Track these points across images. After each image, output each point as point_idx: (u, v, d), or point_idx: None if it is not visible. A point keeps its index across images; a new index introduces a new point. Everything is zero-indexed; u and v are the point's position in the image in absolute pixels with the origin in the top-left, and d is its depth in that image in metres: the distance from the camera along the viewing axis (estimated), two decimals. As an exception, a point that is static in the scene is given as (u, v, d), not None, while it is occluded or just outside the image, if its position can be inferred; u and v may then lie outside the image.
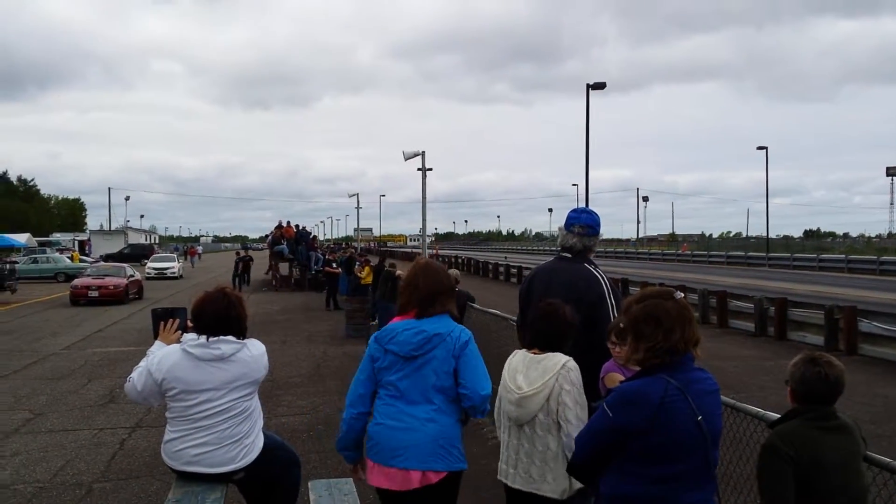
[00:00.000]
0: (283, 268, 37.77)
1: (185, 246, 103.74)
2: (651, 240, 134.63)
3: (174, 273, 47.16)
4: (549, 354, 4.08)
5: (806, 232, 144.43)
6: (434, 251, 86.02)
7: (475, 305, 10.96)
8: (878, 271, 44.02)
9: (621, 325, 3.15)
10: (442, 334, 3.98)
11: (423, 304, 4.10)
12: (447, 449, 3.90)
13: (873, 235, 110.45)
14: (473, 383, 3.89)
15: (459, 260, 58.03)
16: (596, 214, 5.02)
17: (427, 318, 4.06)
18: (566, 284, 4.75)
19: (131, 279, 31.22)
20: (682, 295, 3.16)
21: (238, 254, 41.05)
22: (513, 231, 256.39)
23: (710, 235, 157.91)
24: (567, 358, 4.05)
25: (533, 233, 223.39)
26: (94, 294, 28.90)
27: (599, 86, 35.45)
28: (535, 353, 4.12)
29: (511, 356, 4.26)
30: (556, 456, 3.95)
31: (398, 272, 19.53)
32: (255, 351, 4.58)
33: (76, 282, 30.18)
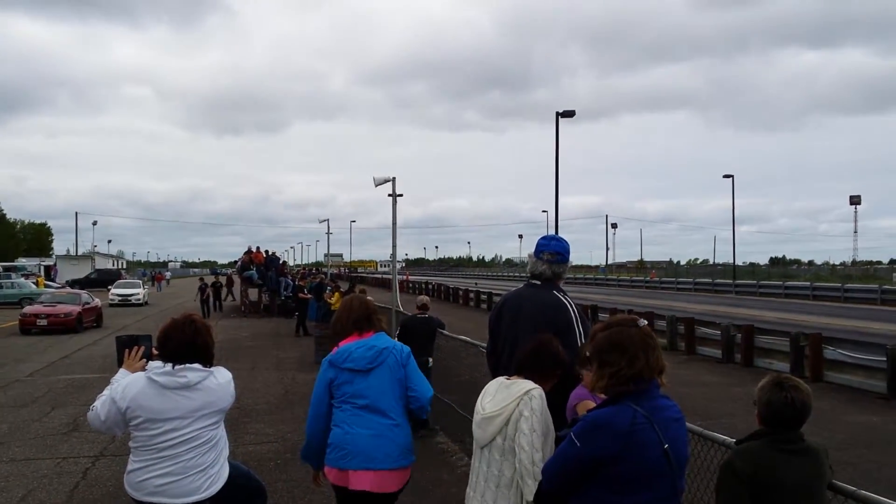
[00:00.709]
0: (253, 293, 37.53)
1: (153, 271, 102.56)
2: (620, 266, 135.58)
3: (139, 299, 45.79)
4: (519, 380, 4.07)
5: (772, 259, 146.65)
6: (404, 277, 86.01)
7: (445, 332, 10.94)
8: (843, 298, 44.67)
9: (587, 352, 3.15)
10: (389, 348, 4.67)
11: (362, 323, 4.76)
12: (410, 448, 4.61)
13: (838, 263, 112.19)
14: (421, 387, 4.68)
15: (430, 286, 57.99)
16: (565, 242, 5.04)
17: (370, 337, 4.69)
18: (535, 311, 4.76)
19: (87, 307, 29.53)
20: (646, 322, 3.19)
21: (202, 279, 40.62)
22: (483, 257, 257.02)
23: (678, 262, 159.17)
24: (533, 385, 4.05)
25: (503, 259, 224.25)
26: (43, 322, 27.20)
27: (569, 114, 35.88)
28: (508, 379, 4.13)
29: (487, 385, 4.27)
30: (510, 483, 3.92)
31: (368, 298, 19.48)
32: (221, 379, 4.53)
33: (26, 309, 28.53)
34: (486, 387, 4.21)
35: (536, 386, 4.05)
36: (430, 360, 11.17)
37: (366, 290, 20.17)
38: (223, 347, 22.29)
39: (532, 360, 4.16)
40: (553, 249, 4.91)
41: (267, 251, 39.57)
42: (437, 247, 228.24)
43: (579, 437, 2.99)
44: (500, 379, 4.18)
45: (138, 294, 46.59)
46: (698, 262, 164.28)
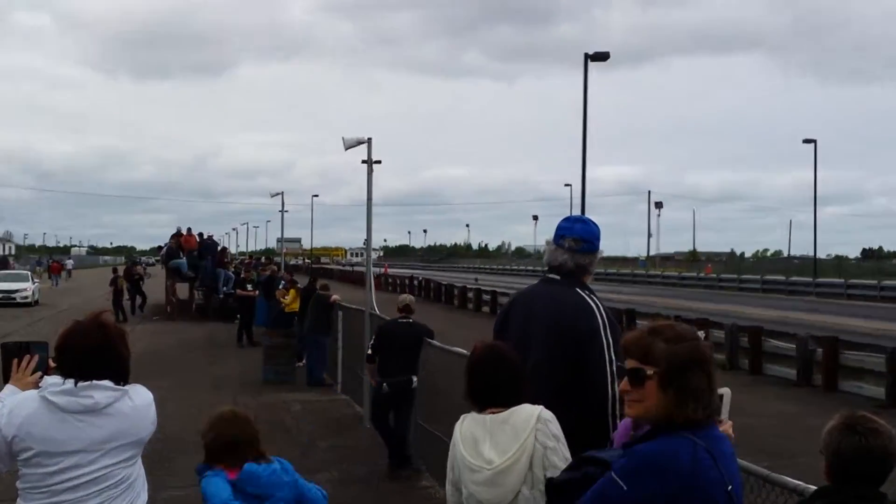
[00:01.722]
0: (182, 289, 37.54)
1: (49, 259, 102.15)
2: (666, 259, 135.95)
3: (26, 297, 44.86)
4: (515, 409, 4.11)
5: (864, 251, 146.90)
6: (382, 270, 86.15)
7: (434, 342, 10.97)
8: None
9: (650, 371, 3.12)
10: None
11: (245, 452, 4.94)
12: None
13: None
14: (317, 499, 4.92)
15: (416, 282, 58.13)
16: (594, 225, 5.07)
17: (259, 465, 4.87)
18: (550, 315, 4.79)
19: None
20: (704, 335, 3.21)
21: (115, 271, 40.55)
22: (486, 245, 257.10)
23: (742, 254, 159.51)
24: (538, 407, 4.09)
25: (513, 248, 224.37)
26: None
27: (601, 56, 35.93)
28: (493, 413, 4.15)
29: (458, 424, 4.28)
30: None
31: (334, 296, 19.52)
32: (139, 401, 4.52)
33: None
34: (458, 432, 4.23)
35: (541, 407, 4.10)
36: (415, 379, 11.20)
37: (329, 286, 20.26)
38: (142, 360, 22.21)
39: (491, 375, 4.21)
40: (578, 234, 4.94)
41: (201, 234, 39.56)
42: (425, 231, 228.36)
43: (626, 477, 3.01)
44: (473, 416, 4.22)
45: (25, 290, 45.54)
46: (768, 254, 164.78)
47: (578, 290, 4.86)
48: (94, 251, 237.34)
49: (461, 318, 37.06)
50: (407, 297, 12.17)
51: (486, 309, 40.49)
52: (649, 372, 3.06)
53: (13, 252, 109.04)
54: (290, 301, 22.78)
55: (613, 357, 4.63)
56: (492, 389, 4.20)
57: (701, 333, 3.20)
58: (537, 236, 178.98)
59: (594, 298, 4.84)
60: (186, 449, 12.61)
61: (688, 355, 3.08)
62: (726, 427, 3.38)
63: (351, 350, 16.94)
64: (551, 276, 4.99)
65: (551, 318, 4.77)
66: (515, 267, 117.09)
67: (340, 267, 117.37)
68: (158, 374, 19.42)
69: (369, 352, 11.84)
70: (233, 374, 20.35)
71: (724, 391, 3.43)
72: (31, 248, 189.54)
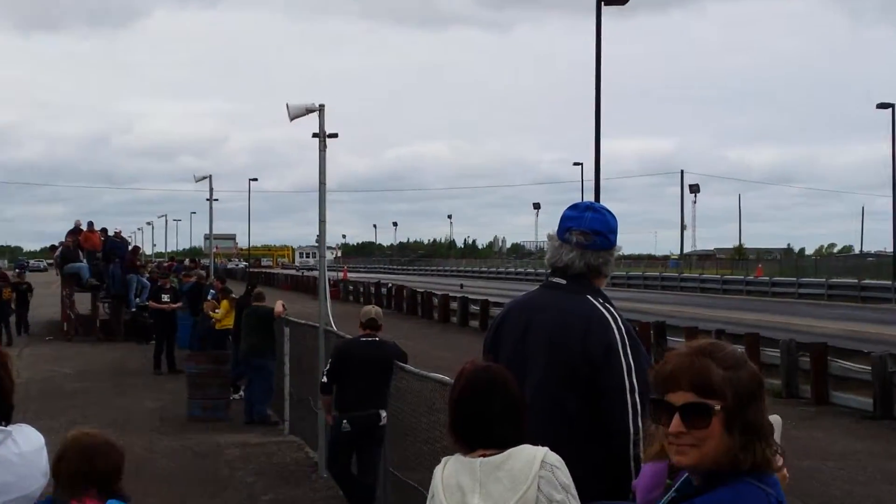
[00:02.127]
0: (83, 301, 37.43)
1: None
2: (704, 257, 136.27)
3: None
4: (512, 451, 4.10)
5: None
6: (341, 274, 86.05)
7: (408, 367, 10.97)
8: None
9: (716, 406, 3.11)
10: None
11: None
12: None
13: None
14: None
15: (384, 289, 58.03)
16: (609, 214, 5.09)
17: None
18: (554, 330, 4.80)
19: None
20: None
21: (2, 278, 40.27)
22: (474, 241, 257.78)
23: (801, 251, 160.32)
24: (542, 449, 4.08)
25: (507, 245, 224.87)
26: None
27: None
28: (483, 456, 4.14)
29: (440, 469, 4.25)
30: None
31: (279, 306, 19.49)
32: (25, 446, 4.51)
33: None
34: (440, 479, 4.20)
35: (545, 449, 4.09)
36: (383, 413, 11.20)
37: (264, 294, 20.16)
38: (31, 392, 22.15)
39: (481, 406, 4.19)
40: (589, 226, 4.95)
41: (106, 230, 39.40)
42: (395, 223, 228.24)
43: None
44: (457, 459, 4.20)
45: None
46: (835, 250, 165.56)
47: (590, 297, 4.87)
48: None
49: (443, 336, 37.05)
50: (372, 310, 12.17)
51: (474, 323, 40.46)
52: (717, 407, 3.01)
53: None
54: (222, 315, 22.72)
55: (635, 384, 4.64)
56: (483, 425, 4.19)
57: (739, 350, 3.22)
58: (538, 229, 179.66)
59: (610, 308, 4.85)
60: (90, 507, 12.60)
61: (751, 383, 3.09)
62: (778, 462, 3.39)
63: (301, 378, 16.90)
64: (555, 279, 5.00)
65: (555, 335, 4.78)
66: (511, 269, 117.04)
67: (287, 271, 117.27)
68: (52, 411, 19.34)
69: (324, 380, 11.84)
70: (149, 410, 20.29)
71: (775, 419, 3.44)
72: None
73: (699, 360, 3.07)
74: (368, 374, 11.29)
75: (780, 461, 3.38)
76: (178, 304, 27.60)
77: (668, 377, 3.07)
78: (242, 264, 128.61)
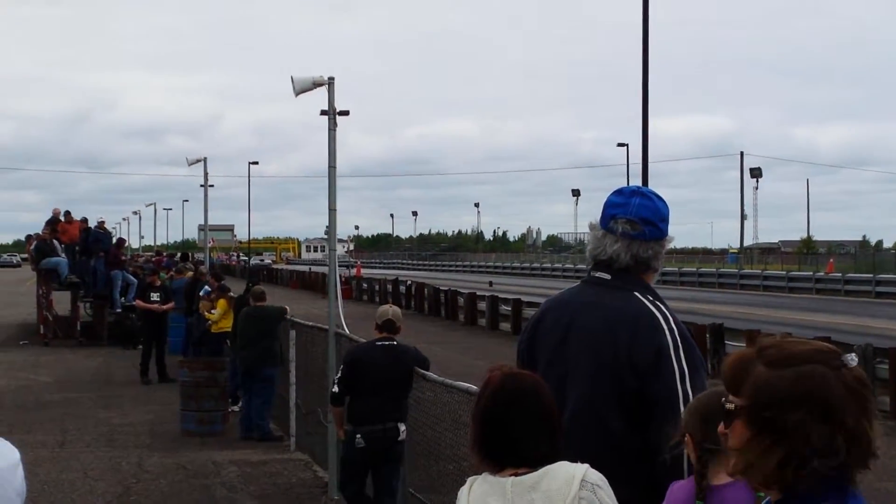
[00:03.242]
0: (62, 301, 37.53)
1: None
2: (767, 251, 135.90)
3: None
4: (548, 469, 4.11)
5: None
6: (353, 270, 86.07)
7: (430, 375, 11.00)
8: None
9: (730, 403, 3.14)
10: None
11: None
12: None
13: None
14: None
15: (402, 287, 58.06)
16: (660, 200, 5.08)
17: None
18: (597, 331, 4.81)
19: None
20: (857, 360, 3.17)
21: None
22: (504, 233, 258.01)
23: (879, 243, 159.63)
24: (583, 467, 4.09)
25: (543, 237, 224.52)
26: None
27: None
28: (515, 475, 4.14)
29: (465, 491, 4.23)
30: None
31: (287, 309, 19.52)
32: (1, 462, 4.56)
33: None
34: (468, 500, 4.17)
35: (585, 466, 4.09)
36: (402, 427, 11.23)
37: (264, 292, 20.15)
38: (4, 403, 22.28)
39: (510, 419, 4.19)
40: (636, 213, 4.95)
41: (86, 220, 39.48)
42: (415, 213, 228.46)
43: None
44: (489, 480, 4.19)
45: None
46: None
47: (637, 294, 4.87)
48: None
49: (469, 340, 37.05)
50: (389, 310, 12.18)
51: (505, 326, 40.49)
52: (732, 405, 3.07)
53: None
54: (219, 316, 22.75)
55: (689, 392, 4.64)
56: (514, 440, 4.19)
57: (852, 357, 3.15)
58: (578, 220, 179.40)
59: (661, 306, 4.85)
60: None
61: (790, 385, 3.07)
62: None
63: (309, 387, 16.93)
64: (598, 274, 5.00)
65: (598, 338, 4.78)
66: (547, 265, 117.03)
67: (292, 267, 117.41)
68: (28, 424, 19.46)
69: (335, 389, 11.86)
70: (138, 423, 20.32)
71: None
72: None
73: (747, 356, 3.11)
74: (385, 383, 11.29)
75: None
76: (170, 305, 27.60)
77: (723, 378, 3.15)
78: (268, 260, 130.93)
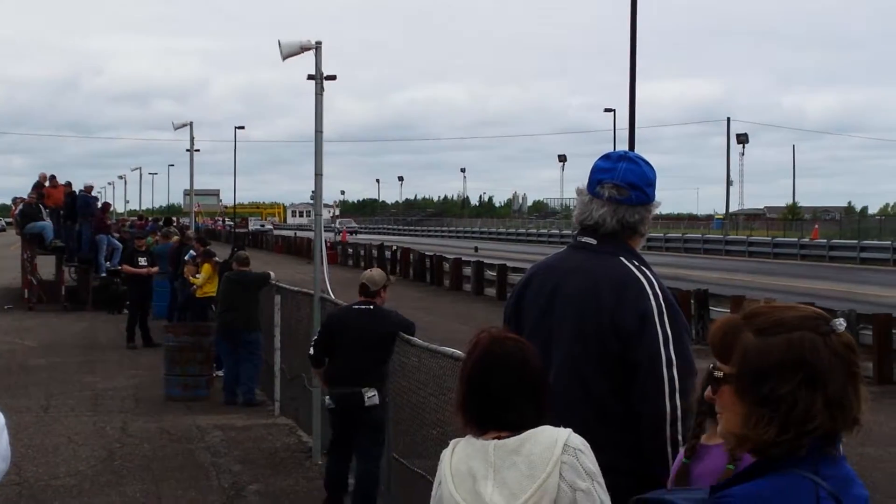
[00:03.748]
0: (47, 265, 37.50)
1: None
2: (752, 217, 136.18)
3: None
4: (531, 433, 4.10)
5: None
6: (339, 235, 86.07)
7: (414, 340, 10.99)
8: None
9: (717, 371, 3.14)
10: None
11: None
12: None
13: None
14: None
15: (388, 252, 58.11)
16: (647, 165, 5.09)
17: None
18: (582, 295, 4.82)
19: None
20: (845, 325, 3.16)
21: None
22: (490, 199, 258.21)
23: (864, 210, 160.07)
24: (565, 431, 4.08)
25: (529, 202, 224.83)
26: None
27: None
28: (498, 438, 4.14)
29: (448, 453, 4.23)
30: None
31: (272, 273, 19.51)
32: (-18, 427, 4.55)
33: None
34: (448, 464, 4.18)
35: (567, 430, 4.08)
36: (370, 394, 11.21)
37: (248, 257, 20.12)
38: (-12, 369, 22.27)
39: (496, 381, 4.18)
40: (622, 178, 4.95)
41: (70, 184, 39.38)
42: (401, 178, 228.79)
43: None
44: (468, 441, 4.19)
45: None
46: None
47: (623, 259, 4.87)
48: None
49: (454, 305, 37.12)
50: (366, 274, 12.16)
51: (490, 291, 40.65)
52: (720, 373, 3.08)
53: None
54: (203, 281, 22.75)
55: (673, 356, 4.65)
56: (498, 403, 4.18)
57: (840, 322, 3.14)
58: (564, 185, 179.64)
59: (646, 271, 4.86)
60: (54, 497, 12.65)
61: (780, 352, 3.06)
62: None
63: (294, 353, 16.94)
64: (584, 239, 5.00)
65: (583, 302, 4.79)
66: (533, 230, 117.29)
67: (278, 231, 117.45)
68: (12, 389, 19.46)
69: (311, 351, 11.89)
70: (122, 388, 20.33)
71: None
72: None
73: (734, 323, 3.11)
74: (357, 346, 11.31)
75: None
76: (155, 269, 27.55)
77: (709, 343, 3.15)
78: (268, 226, 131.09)
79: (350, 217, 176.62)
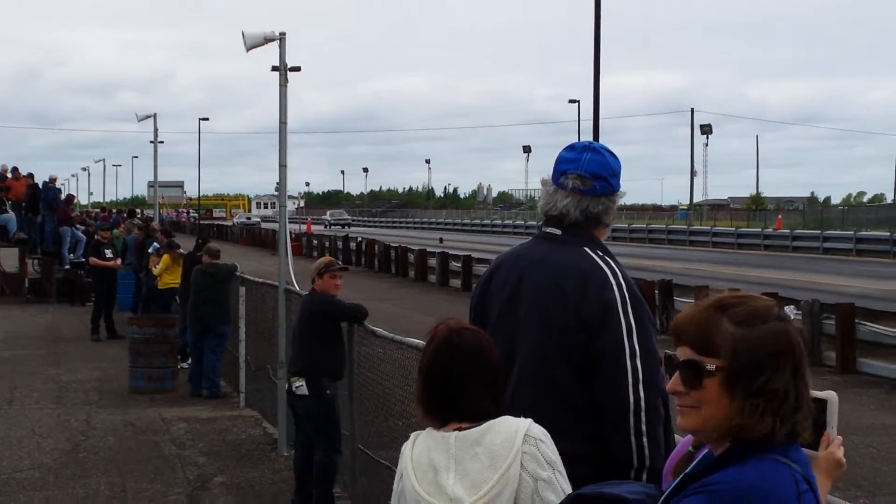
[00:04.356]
0: (9, 258, 37.27)
1: None
2: (717, 207, 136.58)
3: None
4: (492, 424, 4.10)
5: None
6: (304, 225, 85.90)
7: (379, 331, 10.98)
8: None
9: (709, 364, 3.13)
10: None
11: None
12: None
13: None
14: None
15: (353, 243, 58.04)
16: (611, 155, 5.07)
17: None
18: (547, 287, 4.81)
19: None
20: (797, 313, 3.20)
21: None
22: (455, 190, 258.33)
23: (827, 200, 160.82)
24: (526, 422, 4.09)
25: (493, 193, 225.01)
26: None
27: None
28: (458, 430, 4.14)
29: (409, 446, 4.22)
30: None
31: (237, 266, 19.48)
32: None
33: None
34: (409, 456, 4.17)
35: (528, 420, 4.09)
36: (298, 383, 11.25)
37: (218, 250, 20.11)
38: (-49, 362, 22.15)
39: (454, 369, 4.18)
40: (586, 168, 4.94)
41: (32, 175, 39.21)
42: (365, 170, 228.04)
43: None
44: (429, 434, 4.19)
45: None
46: (864, 199, 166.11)
47: (587, 249, 4.85)
48: None
49: (419, 297, 37.10)
50: (325, 262, 12.06)
51: (455, 282, 40.70)
52: (710, 366, 3.05)
53: None
54: (160, 271, 22.78)
55: (636, 347, 4.66)
56: (457, 395, 4.18)
57: (791, 309, 3.18)
58: (529, 176, 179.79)
59: (609, 261, 4.84)
60: (18, 490, 12.60)
61: (769, 343, 3.09)
62: (834, 446, 3.38)
63: (259, 344, 16.92)
64: (549, 230, 4.98)
65: (548, 292, 4.78)
66: (498, 221, 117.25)
67: (243, 222, 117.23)
68: (-25, 383, 19.35)
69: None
70: (86, 381, 20.26)
71: (829, 395, 3.44)
72: None
73: (708, 314, 3.10)
74: (295, 333, 11.82)
75: (836, 442, 3.40)
76: (119, 262, 27.44)
77: (674, 329, 3.13)
78: (255, 218, 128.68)
79: (314, 210, 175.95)
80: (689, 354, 3.06)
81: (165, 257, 22.86)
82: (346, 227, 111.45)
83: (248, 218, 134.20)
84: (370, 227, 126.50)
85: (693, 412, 3.07)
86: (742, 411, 3.03)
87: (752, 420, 3.02)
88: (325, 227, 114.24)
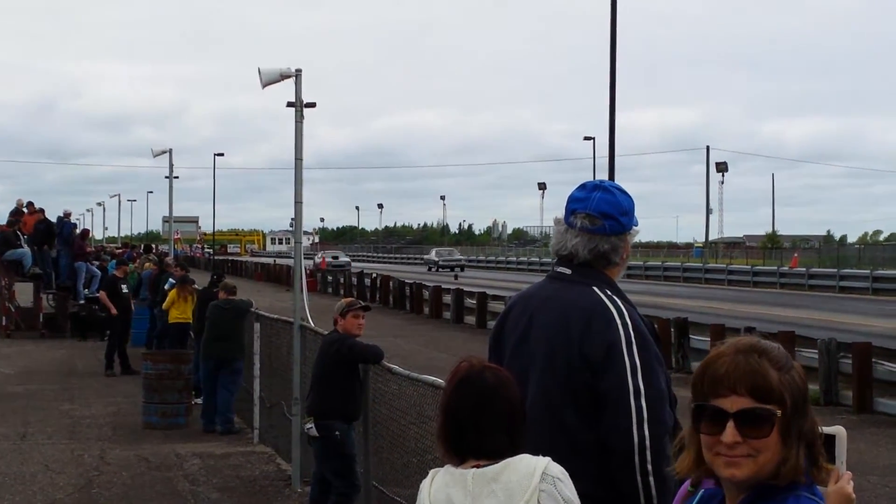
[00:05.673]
0: (25, 292, 37.37)
1: None
2: (732, 245, 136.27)
3: None
4: (509, 462, 4.11)
5: None
6: (319, 260, 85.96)
7: (395, 368, 10.97)
8: None
9: (777, 411, 3.12)
10: None
11: None
12: None
13: None
14: None
15: (368, 280, 58.03)
16: (623, 194, 5.08)
17: None
18: (553, 328, 4.83)
19: None
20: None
21: None
22: (470, 226, 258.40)
23: (843, 239, 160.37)
24: (544, 460, 4.09)
25: (509, 230, 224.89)
26: None
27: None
28: (477, 467, 4.15)
29: (427, 483, 4.24)
30: None
31: (252, 301, 19.47)
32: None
33: None
34: (429, 492, 4.15)
35: (546, 459, 4.09)
36: (310, 426, 11.27)
37: (234, 286, 20.13)
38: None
39: (473, 408, 4.20)
40: (595, 208, 4.95)
41: (42, 210, 39.23)
42: (380, 206, 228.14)
43: None
44: (447, 471, 4.19)
45: None
46: (881, 237, 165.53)
47: (595, 288, 4.86)
48: None
49: (434, 334, 37.05)
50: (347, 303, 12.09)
51: (470, 319, 40.64)
52: (778, 413, 3.02)
53: None
54: (168, 304, 22.84)
55: (641, 386, 4.65)
56: (475, 432, 4.20)
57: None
58: (544, 213, 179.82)
59: (617, 300, 4.84)
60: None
61: (802, 385, 3.13)
62: (844, 480, 3.31)
63: (273, 380, 16.91)
64: (560, 269, 5.01)
65: (554, 331, 4.80)
66: (512, 258, 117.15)
67: (257, 259, 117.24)
68: (-10, 417, 19.36)
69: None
70: (100, 416, 20.27)
71: (838, 430, 3.44)
72: None
73: (755, 361, 3.07)
74: (313, 375, 11.78)
75: (846, 477, 3.40)
76: (132, 297, 27.48)
77: (719, 379, 3.05)
78: (344, 258, 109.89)
79: (328, 246, 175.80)
80: (748, 403, 3.00)
81: (172, 292, 22.90)
82: (459, 270, 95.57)
83: (336, 257, 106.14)
84: (385, 262, 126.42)
85: (748, 461, 3.02)
86: (791, 454, 3.04)
87: (799, 462, 3.04)
88: (431, 269, 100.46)
